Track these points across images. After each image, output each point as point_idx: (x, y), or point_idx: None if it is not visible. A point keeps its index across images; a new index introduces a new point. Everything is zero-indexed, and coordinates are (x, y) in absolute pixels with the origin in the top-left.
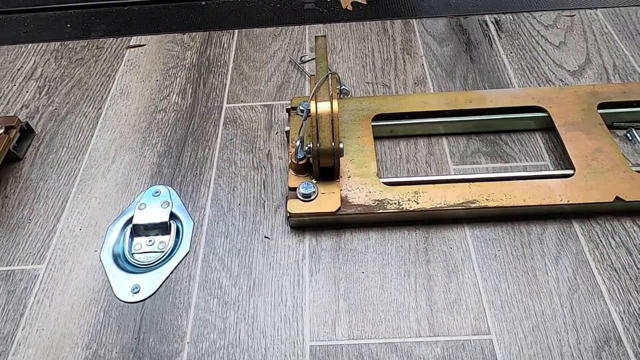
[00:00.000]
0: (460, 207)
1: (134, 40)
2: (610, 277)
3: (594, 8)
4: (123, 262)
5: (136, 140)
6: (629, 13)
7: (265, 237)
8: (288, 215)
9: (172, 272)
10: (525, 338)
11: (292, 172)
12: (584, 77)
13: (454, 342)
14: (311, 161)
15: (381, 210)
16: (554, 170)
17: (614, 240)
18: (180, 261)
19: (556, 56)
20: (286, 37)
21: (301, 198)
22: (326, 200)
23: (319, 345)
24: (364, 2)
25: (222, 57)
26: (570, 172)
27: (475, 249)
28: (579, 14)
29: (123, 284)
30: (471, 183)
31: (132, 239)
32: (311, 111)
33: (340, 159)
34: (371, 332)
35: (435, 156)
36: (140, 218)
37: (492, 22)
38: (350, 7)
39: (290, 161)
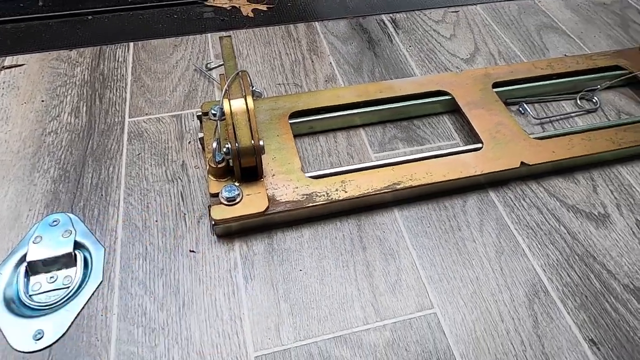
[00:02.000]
0: (387, 190)
1: (8, 60)
2: (528, 236)
3: (474, 4)
4: (18, 306)
5: (22, 168)
6: (504, 7)
7: (191, 251)
8: (213, 223)
9: (83, 308)
10: (466, 305)
11: (212, 178)
12: (475, 62)
13: (401, 322)
14: (231, 163)
15: (311, 204)
16: (465, 146)
17: (525, 202)
18: (93, 294)
19: (449, 47)
20: (188, 47)
21: (225, 203)
22: (252, 202)
23: (265, 354)
24: (264, 8)
25: (119, 71)
26: (479, 145)
27: (406, 229)
28: (462, 10)
29: (21, 332)
30: (394, 167)
31: (29, 279)
32: (225, 110)
33: (262, 157)
34: (318, 330)
35: (355, 147)
36: (37, 253)
37: (389, 20)
38: (251, 14)
39: (208, 166)
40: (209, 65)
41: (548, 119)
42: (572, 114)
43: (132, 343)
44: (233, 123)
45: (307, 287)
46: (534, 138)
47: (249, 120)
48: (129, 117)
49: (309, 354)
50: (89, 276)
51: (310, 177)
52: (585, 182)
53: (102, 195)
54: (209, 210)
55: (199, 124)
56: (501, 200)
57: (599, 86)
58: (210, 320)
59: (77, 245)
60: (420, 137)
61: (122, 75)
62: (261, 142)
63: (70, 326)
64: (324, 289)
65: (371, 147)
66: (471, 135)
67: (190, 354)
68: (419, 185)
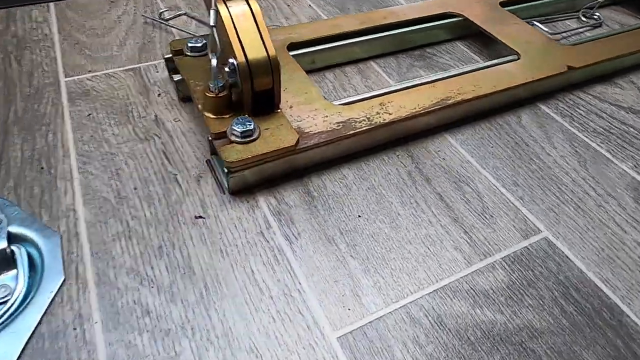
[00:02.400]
0: (437, 107)
1: None
2: (602, 141)
3: None
4: None
5: None
6: None
7: (197, 217)
8: (227, 170)
9: (39, 325)
10: (576, 222)
11: (209, 115)
12: None
13: (511, 256)
14: (237, 90)
15: (351, 131)
16: (497, 59)
17: (581, 110)
18: (52, 301)
19: None
20: (130, 1)
21: (239, 140)
22: (275, 136)
23: (351, 332)
24: None
25: (39, 31)
26: (515, 57)
27: (469, 153)
28: None
29: None
30: (435, 84)
31: None
32: (224, 16)
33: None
34: (411, 285)
35: (371, 79)
36: None
37: None
38: None
39: (202, 101)
40: (162, 16)
41: (560, 35)
42: (580, 29)
43: (138, 357)
44: (237, 32)
45: (375, 235)
46: (568, 45)
47: (257, 25)
48: (65, 77)
49: (412, 319)
50: (41, 278)
51: (339, 104)
52: (628, 85)
53: (42, 168)
54: (211, 165)
55: (165, 75)
56: (555, 111)
57: (598, 1)
58: (255, 301)
59: (14, 239)
60: (440, 64)
61: (46, 35)
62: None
63: (21, 354)
64: (398, 234)
65: (390, 78)
66: (500, 50)
67: (237, 354)
68: (470, 99)
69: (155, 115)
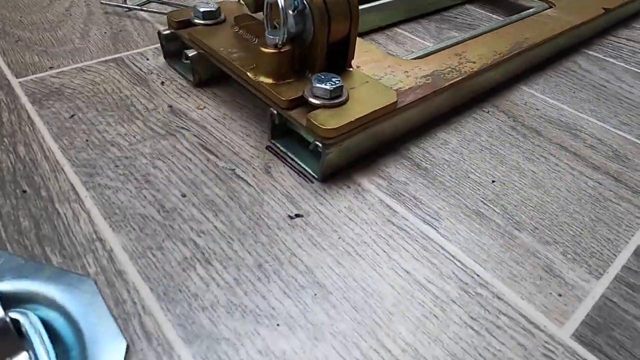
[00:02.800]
0: (515, 51)
1: None
2: None
3: None
4: None
5: None
6: None
7: (294, 216)
8: (321, 146)
9: None
10: None
11: (267, 81)
12: None
13: None
14: (301, 43)
15: (446, 83)
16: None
17: (626, 51)
18: None
19: None
20: None
21: (327, 102)
22: (368, 95)
23: (580, 323)
24: None
25: None
26: (547, 6)
27: (557, 100)
28: None
29: None
30: (497, 31)
31: None
32: None
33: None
34: (607, 249)
35: (408, 44)
36: None
37: None
38: None
39: (251, 67)
40: (127, 2)
41: None
42: None
43: None
44: None
45: (526, 200)
46: None
47: None
48: (17, 78)
49: (630, 286)
50: (82, 353)
51: (413, 59)
52: None
53: (23, 191)
54: (275, 150)
55: (161, 58)
56: (605, 54)
57: None
58: (437, 313)
59: (12, 303)
60: (467, 23)
61: None
62: None
63: None
64: (549, 194)
65: (426, 41)
66: (519, 5)
67: None
68: (539, 43)
69: (170, 106)
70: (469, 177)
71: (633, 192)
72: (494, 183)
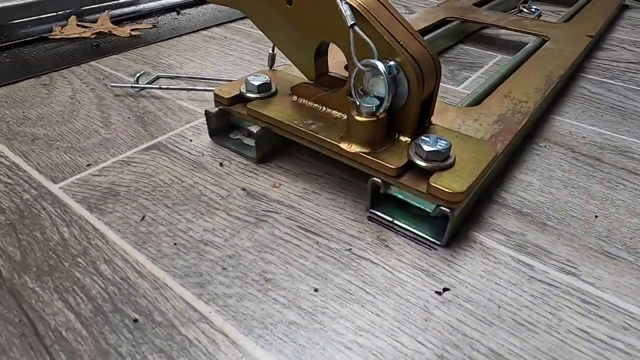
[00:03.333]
0: (553, 84)
1: None
2: None
3: None
4: None
5: None
6: None
7: (442, 290)
8: (448, 210)
9: None
10: None
11: (363, 151)
12: None
13: None
14: (395, 104)
15: (519, 126)
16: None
17: (616, 71)
18: None
19: None
20: (72, 80)
21: (437, 166)
22: (468, 152)
23: None
24: (149, 27)
25: None
26: (542, 40)
27: (596, 126)
28: None
29: None
30: (521, 68)
31: None
32: (358, 9)
33: None
34: None
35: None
36: None
37: None
38: (132, 34)
39: (341, 136)
40: (139, 81)
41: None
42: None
43: None
44: (383, 26)
45: (631, 228)
46: (561, 23)
47: (394, 16)
48: (55, 183)
49: None
50: None
51: (465, 107)
52: (614, 44)
53: (132, 321)
54: (378, 220)
55: (206, 136)
56: (602, 75)
57: None
58: None
59: None
60: (472, 63)
61: None
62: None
63: None
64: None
65: (447, 84)
66: (509, 43)
67: None
68: (564, 73)
69: (244, 189)
70: (572, 216)
71: None
72: (598, 218)
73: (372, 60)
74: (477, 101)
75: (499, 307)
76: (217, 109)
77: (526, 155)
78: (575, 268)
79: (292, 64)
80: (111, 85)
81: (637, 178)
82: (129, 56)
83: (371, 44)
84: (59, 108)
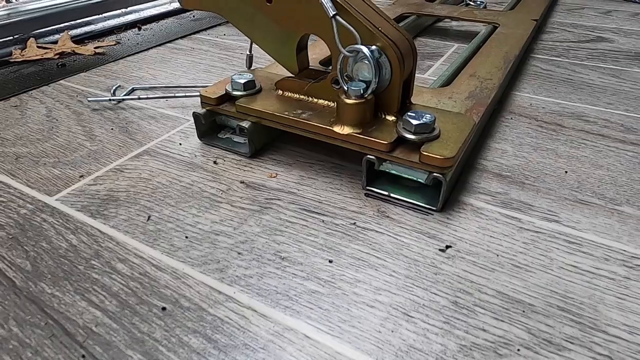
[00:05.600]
0: (510, 62)
1: None
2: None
3: None
4: None
5: None
6: None
7: (445, 248)
8: (441, 176)
9: None
10: None
11: (354, 132)
12: None
13: None
14: (379, 86)
15: (488, 100)
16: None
17: (562, 48)
18: None
19: None
20: (45, 99)
21: (425, 137)
22: (450, 124)
23: None
24: (112, 44)
25: None
26: (493, 27)
27: (552, 97)
28: None
29: None
30: (480, 51)
31: None
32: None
33: None
34: None
35: None
36: None
37: None
38: (97, 51)
39: (333, 120)
40: (116, 94)
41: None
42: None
43: None
44: (363, 15)
45: (597, 178)
46: (507, 11)
47: (370, 5)
48: (50, 196)
49: None
50: None
51: (438, 88)
52: (556, 28)
53: (160, 309)
54: (376, 195)
55: (195, 138)
56: (549, 54)
57: None
58: (612, 288)
59: None
60: (432, 53)
61: None
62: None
63: None
64: (607, 167)
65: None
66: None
67: None
68: (519, 53)
69: (242, 182)
70: (545, 174)
71: None
72: (567, 173)
73: (357, 46)
74: (447, 82)
75: (497, 256)
76: (204, 110)
77: (497, 127)
78: (556, 216)
79: (273, 62)
80: (88, 100)
81: (595, 137)
82: (98, 72)
83: (354, 31)
84: (36, 127)
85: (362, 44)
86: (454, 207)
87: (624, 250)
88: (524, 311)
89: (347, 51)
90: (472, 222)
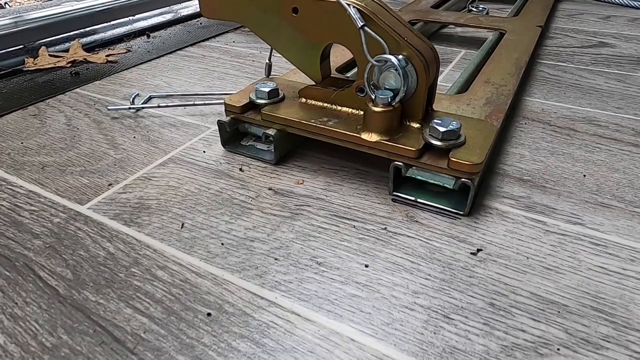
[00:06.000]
0: (522, 69)
1: None
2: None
3: None
4: None
5: None
6: None
7: (476, 251)
8: (470, 181)
9: None
10: None
11: (383, 139)
12: None
13: None
14: (405, 94)
15: (506, 106)
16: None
17: (563, 55)
18: None
19: None
20: (63, 108)
21: (452, 144)
22: (473, 130)
23: None
24: (123, 52)
25: None
26: (500, 34)
27: (562, 102)
28: None
29: None
30: (492, 57)
31: None
32: (363, 11)
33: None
34: None
35: None
36: None
37: None
38: (109, 59)
39: (360, 128)
40: (135, 102)
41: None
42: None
43: None
44: (388, 25)
45: (614, 182)
46: (511, 17)
47: (393, 15)
48: (82, 205)
49: None
50: None
51: (453, 95)
52: (558, 33)
53: (205, 315)
54: (403, 200)
55: (218, 145)
56: (555, 59)
57: None
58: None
59: None
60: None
61: None
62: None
63: None
64: (623, 171)
65: None
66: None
67: None
68: (529, 59)
69: (270, 189)
70: (564, 178)
71: None
72: (586, 177)
73: (385, 55)
74: (462, 89)
75: (527, 258)
76: (229, 118)
77: (512, 132)
78: (580, 218)
79: (290, 70)
80: (108, 108)
81: (608, 141)
82: (112, 80)
83: (382, 41)
84: (58, 135)
85: (389, 54)
86: (480, 212)
87: None
88: (559, 312)
89: (376, 60)
90: (499, 225)
